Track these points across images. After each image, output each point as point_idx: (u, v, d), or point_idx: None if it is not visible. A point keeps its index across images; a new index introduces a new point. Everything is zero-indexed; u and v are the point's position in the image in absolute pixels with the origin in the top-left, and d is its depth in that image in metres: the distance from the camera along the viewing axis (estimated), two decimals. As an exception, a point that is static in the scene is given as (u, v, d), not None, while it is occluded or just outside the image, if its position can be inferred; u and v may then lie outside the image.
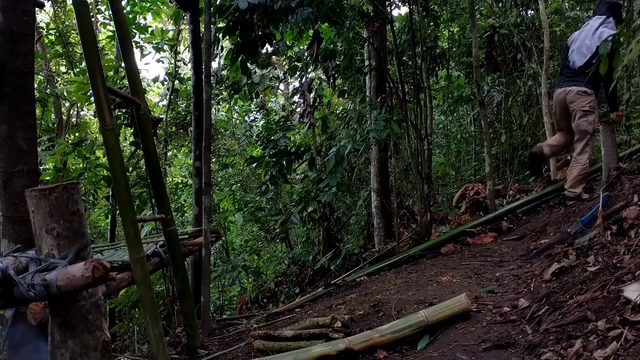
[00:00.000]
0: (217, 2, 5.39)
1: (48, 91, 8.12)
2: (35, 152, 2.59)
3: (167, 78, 9.45)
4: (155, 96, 12.74)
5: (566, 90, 4.76)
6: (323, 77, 8.28)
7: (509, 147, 8.51)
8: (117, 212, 5.21)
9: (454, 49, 9.23)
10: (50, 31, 8.97)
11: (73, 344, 1.60)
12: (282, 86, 12.64)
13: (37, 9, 2.83)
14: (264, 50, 6.28)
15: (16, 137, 2.46)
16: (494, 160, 7.73)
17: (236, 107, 11.53)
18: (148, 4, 8.31)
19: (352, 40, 6.69)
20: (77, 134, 8.71)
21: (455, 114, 10.17)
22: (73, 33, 8.91)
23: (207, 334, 3.83)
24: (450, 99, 9.61)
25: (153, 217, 3.64)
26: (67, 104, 9.66)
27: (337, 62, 6.99)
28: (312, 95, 7.98)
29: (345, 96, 8.06)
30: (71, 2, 5.81)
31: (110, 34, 8.62)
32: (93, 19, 8.38)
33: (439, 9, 8.41)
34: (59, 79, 10.34)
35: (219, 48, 7.04)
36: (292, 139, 7.83)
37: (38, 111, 6.94)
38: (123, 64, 3.29)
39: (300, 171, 8.31)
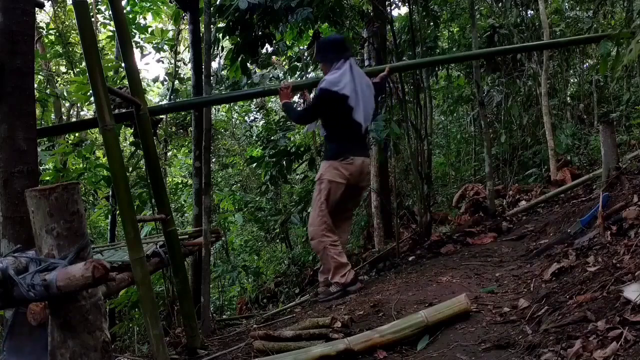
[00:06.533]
0: (217, 2, 5.39)
1: (48, 91, 8.11)
2: (35, 152, 2.58)
3: (167, 78, 9.45)
4: (155, 96, 12.74)
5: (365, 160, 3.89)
6: (323, 77, 8.26)
7: (508, 147, 8.51)
8: (117, 212, 5.20)
9: (454, 49, 9.23)
10: (50, 31, 8.97)
11: (73, 344, 1.60)
12: (282, 86, 12.62)
13: (37, 9, 2.83)
14: (264, 50, 6.28)
15: (16, 137, 2.46)
16: (494, 161, 7.73)
17: (236, 107, 11.54)
18: (148, 4, 8.30)
19: (352, 40, 6.69)
20: (77, 134, 8.71)
21: (455, 114, 10.17)
22: (73, 33, 8.91)
23: (207, 334, 3.83)
24: (450, 99, 9.62)
25: (153, 217, 3.64)
26: (67, 104, 9.66)
27: (337, 62, 6.98)
28: (312, 95, 7.96)
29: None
30: (71, 2, 5.81)
31: (110, 34, 8.61)
32: (93, 19, 8.38)
33: (439, 9, 8.41)
34: (59, 79, 10.33)
35: (219, 48, 7.04)
36: (292, 139, 7.82)
37: (38, 111, 6.93)
38: (123, 64, 3.29)
39: (300, 171, 8.31)
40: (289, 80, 4.33)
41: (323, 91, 3.75)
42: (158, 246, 3.44)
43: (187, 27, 6.52)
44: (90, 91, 2.82)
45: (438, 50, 8.46)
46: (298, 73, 7.83)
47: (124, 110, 3.90)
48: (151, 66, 36.24)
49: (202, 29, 5.46)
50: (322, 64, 4.08)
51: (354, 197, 3.97)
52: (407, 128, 5.66)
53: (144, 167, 4.07)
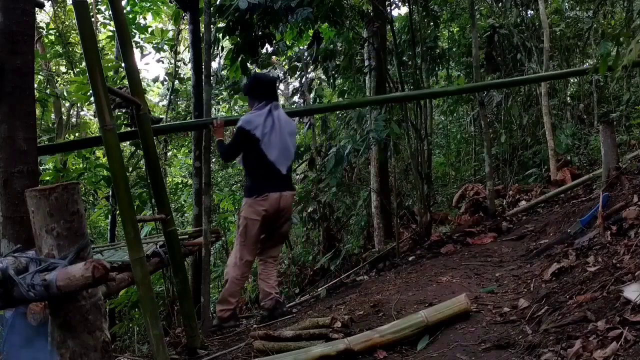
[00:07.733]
0: (217, 2, 5.39)
1: (48, 91, 8.11)
2: (35, 152, 2.58)
3: (167, 78, 9.45)
4: (155, 96, 12.75)
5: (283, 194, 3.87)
6: (323, 77, 8.28)
7: (508, 147, 8.51)
8: (117, 212, 5.21)
9: (454, 49, 9.23)
10: (50, 31, 8.97)
11: (73, 344, 1.60)
12: (282, 86, 12.64)
13: (37, 8, 2.83)
14: (264, 50, 6.28)
15: (16, 137, 2.45)
16: (494, 160, 7.73)
17: (236, 107, 11.52)
18: (148, 4, 8.31)
19: (352, 40, 6.69)
20: (77, 134, 8.71)
21: (455, 114, 10.18)
22: (73, 33, 8.91)
23: (207, 334, 3.83)
24: (450, 99, 9.62)
25: (153, 217, 3.64)
26: (67, 104, 9.66)
27: (337, 62, 6.98)
28: (312, 95, 7.98)
29: (345, 96, 8.06)
30: (71, 2, 5.81)
31: (110, 34, 8.62)
32: (93, 19, 8.38)
33: (439, 9, 8.41)
34: (59, 79, 10.33)
35: (219, 48, 7.04)
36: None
37: (38, 111, 6.94)
38: (123, 64, 3.29)
39: (300, 171, 8.31)
40: (221, 117, 4.39)
41: (238, 128, 3.87)
42: (158, 246, 3.44)
43: (187, 27, 6.53)
44: (90, 91, 2.82)
45: (438, 50, 8.46)
46: (298, 73, 7.84)
47: (123, 110, 3.91)
48: (151, 66, 36.39)
49: (202, 29, 5.46)
50: (248, 99, 4.14)
51: (277, 228, 4.02)
52: (407, 128, 5.66)
53: (144, 167, 4.07)
